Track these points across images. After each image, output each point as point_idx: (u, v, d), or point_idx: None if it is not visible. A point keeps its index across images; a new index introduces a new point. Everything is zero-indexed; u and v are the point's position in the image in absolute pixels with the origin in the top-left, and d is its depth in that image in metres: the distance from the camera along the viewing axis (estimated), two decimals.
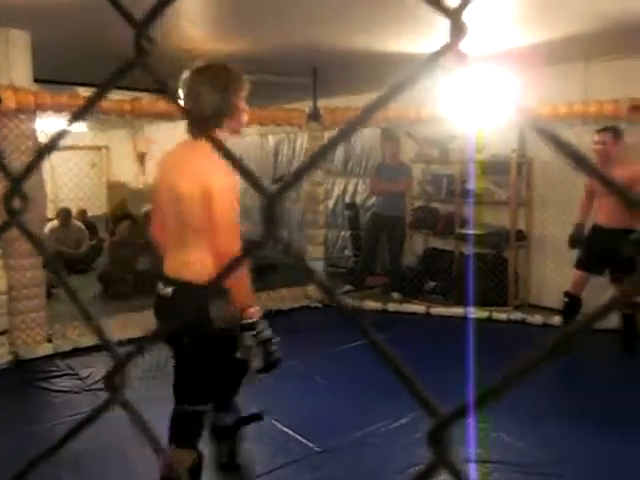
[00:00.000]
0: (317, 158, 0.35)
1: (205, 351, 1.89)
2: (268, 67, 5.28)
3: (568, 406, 3.47)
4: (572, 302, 4.28)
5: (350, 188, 7.13)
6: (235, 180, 1.83)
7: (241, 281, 1.77)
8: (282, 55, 4.91)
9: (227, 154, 0.36)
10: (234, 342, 1.84)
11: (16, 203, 0.48)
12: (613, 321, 4.24)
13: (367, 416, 3.17)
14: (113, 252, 5.62)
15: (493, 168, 5.28)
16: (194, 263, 1.87)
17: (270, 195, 0.34)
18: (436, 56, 0.31)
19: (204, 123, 1.89)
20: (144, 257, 5.31)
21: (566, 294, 4.34)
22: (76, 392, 3.58)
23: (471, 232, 5.32)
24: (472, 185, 5.34)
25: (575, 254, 4.36)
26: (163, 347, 4.30)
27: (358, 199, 7.01)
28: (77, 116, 0.59)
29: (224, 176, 1.80)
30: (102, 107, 4.31)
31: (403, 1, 3.16)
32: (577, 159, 0.31)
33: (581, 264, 4.29)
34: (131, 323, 4.24)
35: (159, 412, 3.18)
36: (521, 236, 5.35)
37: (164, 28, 3.82)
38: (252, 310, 1.83)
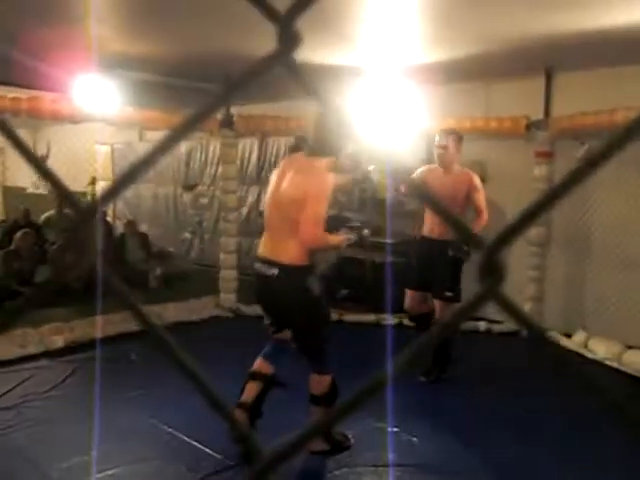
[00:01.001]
0: (137, 170, 0.33)
1: (308, 310, 2.63)
2: (179, 71, 5.16)
3: (476, 408, 3.56)
4: (415, 321, 4.05)
5: (264, 196, 7.09)
6: (327, 192, 2.54)
7: (326, 243, 2.64)
8: (195, 60, 4.82)
9: (42, 170, 0.33)
10: (322, 303, 2.72)
11: None
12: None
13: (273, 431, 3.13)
14: (7, 263, 5.17)
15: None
16: (292, 249, 2.54)
17: (83, 210, 0.32)
18: (263, 66, 0.30)
19: (317, 151, 2.65)
20: (43, 267, 4.95)
21: (408, 316, 4.17)
22: None
23: (382, 241, 5.46)
24: (384, 194, 5.47)
25: None
26: (60, 366, 3.98)
27: None
28: None
29: (319, 186, 2.53)
30: None
31: (318, 14, 3.21)
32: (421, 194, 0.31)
33: (409, 282, 4.02)
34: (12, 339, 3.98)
35: (57, 433, 2.98)
36: None
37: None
38: (340, 241, 2.78)
